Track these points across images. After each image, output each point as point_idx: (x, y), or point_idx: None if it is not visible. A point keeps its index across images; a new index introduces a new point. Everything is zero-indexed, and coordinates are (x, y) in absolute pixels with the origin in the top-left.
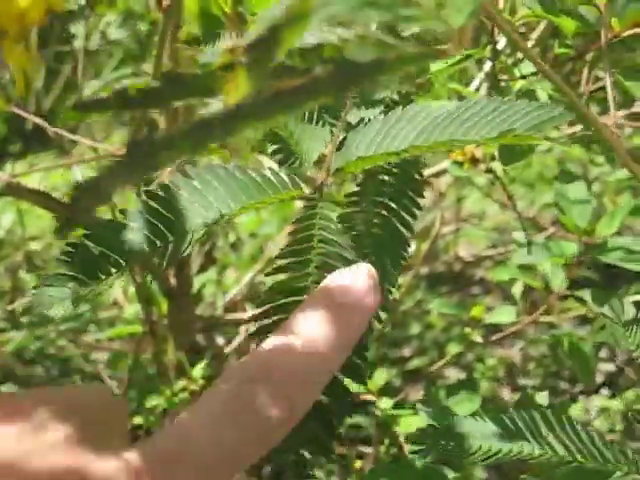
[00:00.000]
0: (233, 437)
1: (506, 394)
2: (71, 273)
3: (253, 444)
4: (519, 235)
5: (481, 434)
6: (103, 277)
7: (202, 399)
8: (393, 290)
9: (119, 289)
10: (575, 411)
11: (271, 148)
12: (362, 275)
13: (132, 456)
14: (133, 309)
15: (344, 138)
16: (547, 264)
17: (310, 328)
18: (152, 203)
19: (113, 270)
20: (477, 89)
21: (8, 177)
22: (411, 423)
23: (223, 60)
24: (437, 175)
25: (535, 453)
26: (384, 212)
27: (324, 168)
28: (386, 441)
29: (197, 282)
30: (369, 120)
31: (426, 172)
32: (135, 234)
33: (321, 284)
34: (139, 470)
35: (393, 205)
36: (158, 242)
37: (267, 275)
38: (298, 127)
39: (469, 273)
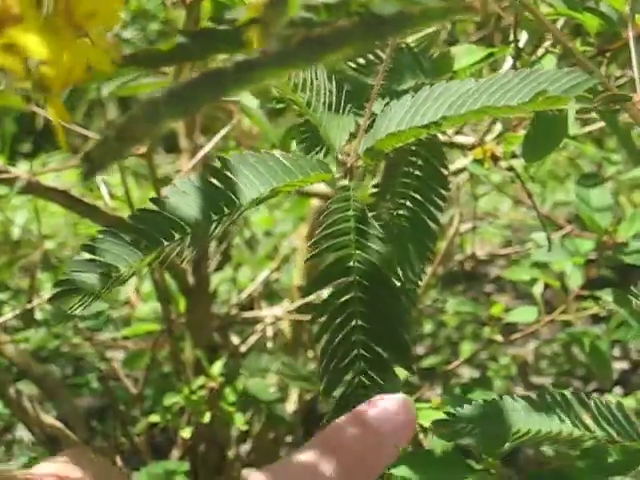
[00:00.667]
0: None
1: (520, 392)
2: (135, 237)
3: None
4: (539, 234)
5: (517, 416)
6: (166, 242)
7: None
8: (419, 283)
9: (131, 288)
10: None
11: (297, 138)
12: (405, 409)
13: None
14: (146, 308)
15: (373, 121)
16: (566, 263)
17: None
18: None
19: (177, 235)
20: None
21: (28, 175)
22: (432, 416)
23: (248, 15)
24: (456, 173)
25: (574, 434)
26: (410, 204)
27: (353, 151)
28: None
29: (214, 280)
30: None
31: None
32: (194, 205)
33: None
34: None
35: (419, 197)
36: (214, 214)
37: (308, 260)
38: (324, 114)
39: (483, 271)
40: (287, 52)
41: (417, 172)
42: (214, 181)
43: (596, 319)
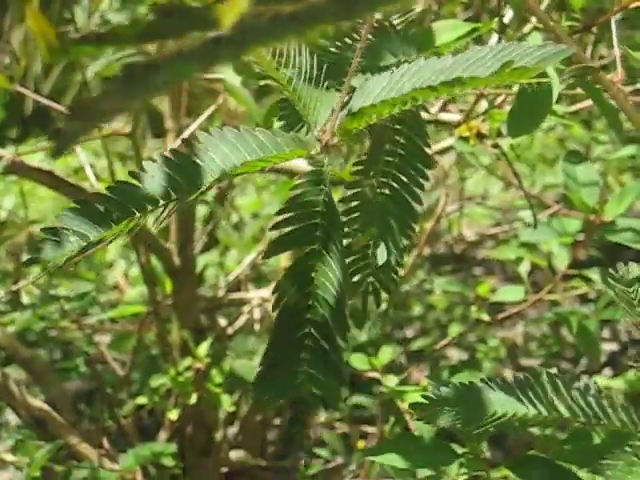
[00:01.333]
0: None
1: (509, 375)
2: (107, 207)
3: None
4: (527, 213)
5: (493, 399)
6: (138, 214)
7: None
8: (400, 262)
9: (120, 273)
10: None
11: (278, 115)
12: None
13: None
14: (134, 292)
15: (350, 98)
16: (553, 243)
17: None
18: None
19: (150, 207)
20: None
21: (12, 155)
22: (418, 399)
23: None
24: (442, 152)
25: (540, 416)
26: (392, 182)
27: (329, 127)
28: (391, 419)
29: (200, 262)
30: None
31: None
32: (168, 178)
33: None
34: None
35: (401, 176)
36: (188, 187)
37: (272, 229)
38: (304, 91)
39: (471, 254)
40: (258, 29)
41: (400, 150)
42: (190, 155)
43: (584, 300)
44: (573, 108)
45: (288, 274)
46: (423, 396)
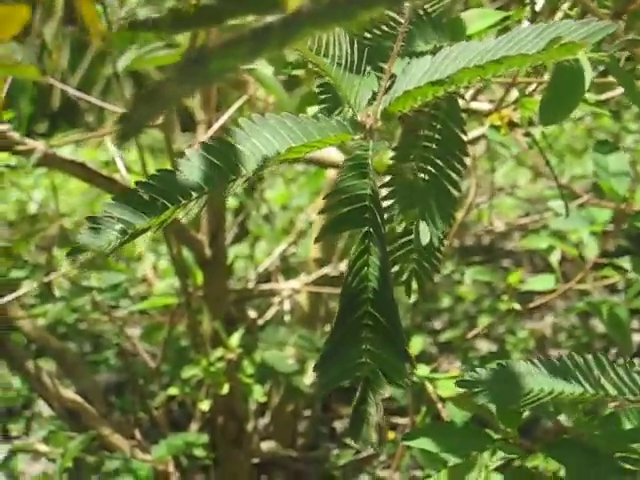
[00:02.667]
0: None
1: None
2: (152, 196)
3: None
4: (557, 203)
5: (533, 378)
6: (183, 201)
7: None
8: (441, 247)
9: (149, 266)
10: None
11: (320, 97)
12: None
13: None
14: (163, 285)
15: (392, 82)
16: (583, 232)
17: None
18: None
19: (194, 194)
20: None
21: (45, 147)
22: (451, 387)
23: None
24: (473, 142)
25: (587, 394)
26: (430, 168)
27: (372, 111)
28: (423, 409)
29: (231, 253)
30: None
31: None
32: (212, 165)
33: None
34: None
35: (439, 162)
36: (231, 174)
37: (321, 212)
38: (345, 76)
39: (499, 245)
40: (320, 11)
41: (437, 136)
42: (232, 143)
43: (614, 291)
44: (603, 97)
45: (351, 258)
46: (462, 377)
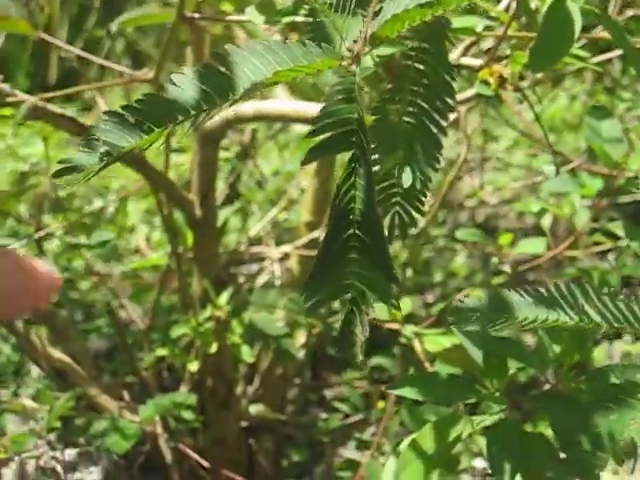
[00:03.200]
0: None
1: (529, 339)
2: (138, 118)
3: None
4: (550, 168)
5: (519, 306)
6: (169, 124)
7: None
8: (425, 191)
9: (142, 237)
10: (598, 355)
11: (306, 30)
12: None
13: None
14: (155, 256)
15: (380, 9)
16: (574, 196)
17: None
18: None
19: (180, 117)
20: (506, 8)
21: (36, 99)
22: (439, 342)
23: None
24: (464, 102)
25: (572, 321)
26: (417, 111)
27: (360, 38)
28: (411, 369)
29: (222, 215)
30: None
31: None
32: (198, 89)
33: None
34: None
35: (426, 106)
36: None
37: (308, 136)
38: (334, 9)
39: (493, 223)
40: None
41: (424, 80)
42: (220, 68)
43: (604, 259)
44: (597, 59)
45: (338, 181)
46: (454, 304)
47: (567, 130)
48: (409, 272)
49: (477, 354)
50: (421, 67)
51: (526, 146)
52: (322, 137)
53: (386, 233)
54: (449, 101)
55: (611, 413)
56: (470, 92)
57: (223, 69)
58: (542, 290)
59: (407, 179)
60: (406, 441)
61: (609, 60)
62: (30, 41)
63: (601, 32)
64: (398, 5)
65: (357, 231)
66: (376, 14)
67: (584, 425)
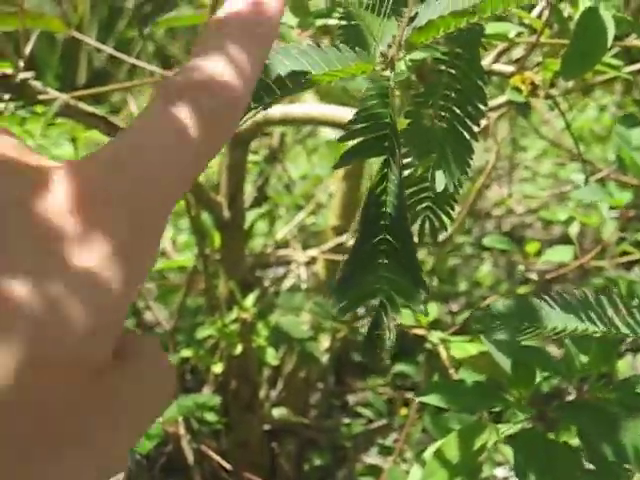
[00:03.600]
0: (180, 146)
1: (554, 351)
2: None
3: (198, 155)
4: (578, 176)
5: (547, 314)
6: None
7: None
8: (456, 195)
9: (168, 239)
10: (622, 367)
11: (339, 39)
12: None
13: (76, 163)
14: (182, 259)
15: (415, 15)
16: (603, 205)
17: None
18: None
19: None
20: (539, 15)
21: (68, 97)
22: (466, 348)
23: None
24: (495, 109)
25: (599, 331)
26: (449, 116)
27: (395, 43)
28: (435, 376)
29: (249, 217)
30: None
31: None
32: None
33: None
34: (84, 173)
35: (458, 110)
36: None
37: (341, 140)
38: (368, 16)
39: (520, 233)
40: None
41: (457, 85)
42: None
43: (630, 267)
44: (630, 68)
45: (370, 185)
46: (480, 312)
47: (595, 142)
48: (434, 280)
49: (504, 362)
50: (454, 72)
51: (554, 156)
52: (355, 141)
53: (416, 237)
54: (481, 107)
55: (636, 424)
56: (501, 99)
57: (262, 75)
58: (570, 298)
59: (440, 183)
60: (430, 449)
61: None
62: (59, 42)
63: (634, 40)
64: (434, 11)
65: (387, 236)
66: (411, 19)
67: (610, 436)
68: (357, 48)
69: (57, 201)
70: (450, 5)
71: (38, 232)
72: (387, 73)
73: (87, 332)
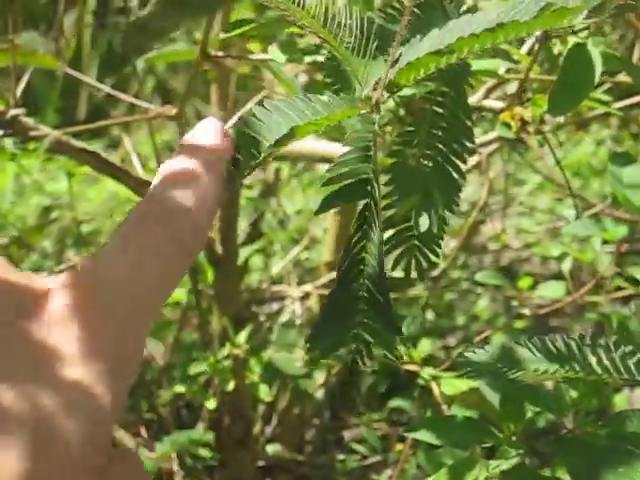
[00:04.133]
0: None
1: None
2: None
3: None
4: (571, 212)
5: (530, 359)
6: None
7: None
8: (442, 235)
9: None
10: (619, 401)
11: (327, 78)
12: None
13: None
14: (176, 292)
15: (399, 56)
16: (596, 240)
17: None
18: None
19: None
20: (529, 52)
21: (59, 134)
22: (456, 385)
23: None
24: (486, 145)
25: (581, 375)
26: (435, 154)
27: (379, 85)
28: (428, 412)
29: (243, 254)
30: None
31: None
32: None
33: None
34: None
35: (444, 149)
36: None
37: (324, 185)
38: (353, 54)
39: (517, 268)
40: None
41: (443, 123)
42: (245, 129)
43: (624, 301)
44: (621, 104)
45: (351, 230)
46: (464, 357)
47: (593, 176)
48: (430, 315)
49: (494, 397)
50: (440, 110)
51: (551, 190)
52: (337, 186)
53: (403, 275)
54: (468, 144)
55: (624, 460)
56: (492, 135)
57: (247, 130)
58: (550, 345)
59: (424, 223)
60: None
61: (636, 105)
62: (60, 77)
63: (622, 77)
64: (414, 52)
65: (367, 282)
66: (396, 61)
67: (596, 470)
68: (342, 94)
69: (46, 320)
70: (430, 46)
71: (29, 351)
72: (373, 116)
73: (85, 442)
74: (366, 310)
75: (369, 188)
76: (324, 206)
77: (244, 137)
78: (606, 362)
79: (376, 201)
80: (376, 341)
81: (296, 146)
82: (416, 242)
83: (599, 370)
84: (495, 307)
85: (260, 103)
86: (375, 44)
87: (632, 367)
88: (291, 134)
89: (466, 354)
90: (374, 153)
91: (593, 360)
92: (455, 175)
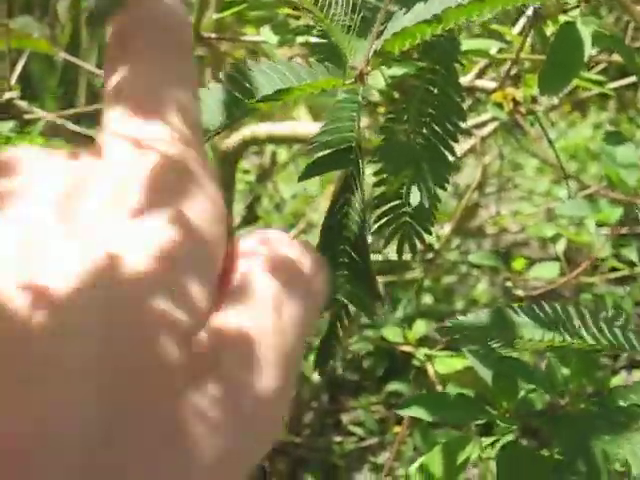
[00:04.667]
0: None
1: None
2: None
3: None
4: (564, 192)
5: (520, 325)
6: None
7: None
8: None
9: None
10: (616, 383)
11: (315, 49)
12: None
13: None
14: None
15: (384, 28)
16: (590, 221)
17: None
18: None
19: None
20: (521, 32)
21: (53, 117)
22: (450, 364)
23: None
24: (479, 127)
25: (565, 341)
26: (425, 131)
27: (364, 57)
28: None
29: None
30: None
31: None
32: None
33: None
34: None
35: (435, 126)
36: (223, 115)
37: (309, 152)
38: (341, 29)
39: (516, 253)
40: None
41: (434, 101)
42: (225, 88)
43: (620, 283)
44: (615, 84)
45: (333, 195)
46: (450, 322)
47: (590, 160)
48: (429, 299)
49: (487, 375)
50: (430, 87)
51: (550, 174)
52: (321, 154)
53: (396, 251)
54: (459, 122)
55: (614, 429)
56: (487, 115)
57: (227, 89)
58: (538, 310)
59: (415, 198)
60: (415, 464)
61: (632, 86)
62: (58, 64)
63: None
64: (400, 24)
65: (347, 247)
66: (381, 33)
67: (582, 446)
68: (327, 63)
69: None
70: (417, 16)
71: None
72: (357, 87)
73: None
74: (346, 275)
75: (352, 156)
76: (307, 173)
77: (227, 95)
78: (593, 328)
79: (359, 169)
80: (356, 306)
81: (291, 127)
82: (408, 219)
83: (585, 335)
84: (494, 291)
85: (244, 63)
86: (363, 20)
87: (618, 333)
88: (273, 97)
89: (453, 320)
90: (358, 122)
91: (582, 328)
92: (446, 152)
